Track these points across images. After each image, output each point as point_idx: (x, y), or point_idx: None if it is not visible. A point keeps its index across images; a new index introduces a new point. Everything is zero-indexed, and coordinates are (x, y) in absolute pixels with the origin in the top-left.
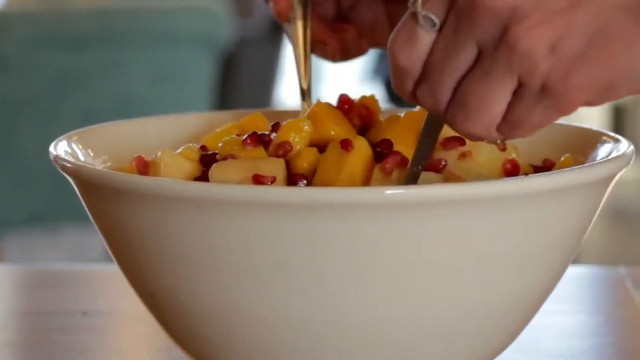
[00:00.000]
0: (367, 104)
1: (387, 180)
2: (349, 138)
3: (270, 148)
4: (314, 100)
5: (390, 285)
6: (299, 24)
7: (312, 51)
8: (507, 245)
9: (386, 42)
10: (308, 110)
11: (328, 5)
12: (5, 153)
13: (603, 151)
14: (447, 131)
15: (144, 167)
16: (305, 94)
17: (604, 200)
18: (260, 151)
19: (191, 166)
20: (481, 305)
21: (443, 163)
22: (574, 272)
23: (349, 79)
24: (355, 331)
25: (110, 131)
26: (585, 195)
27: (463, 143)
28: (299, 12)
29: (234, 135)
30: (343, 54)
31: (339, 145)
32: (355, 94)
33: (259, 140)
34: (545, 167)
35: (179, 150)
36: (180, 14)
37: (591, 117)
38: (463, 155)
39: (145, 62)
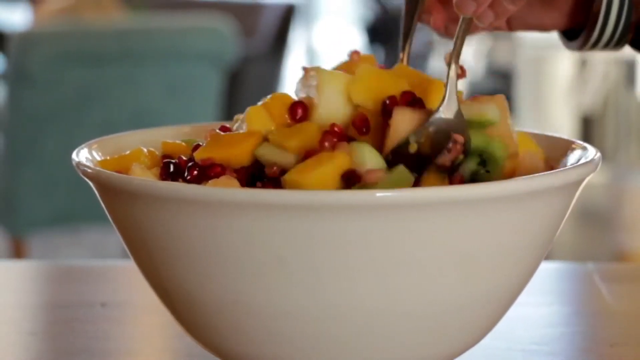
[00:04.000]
0: None
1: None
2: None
3: None
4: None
5: (379, 279)
6: None
7: (420, 19)
8: (487, 244)
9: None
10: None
11: None
12: (32, 160)
13: (573, 158)
14: None
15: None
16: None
17: (573, 202)
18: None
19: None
20: (462, 297)
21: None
22: (546, 268)
23: None
24: (346, 320)
25: (127, 140)
26: (556, 197)
27: None
28: None
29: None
30: (447, 29)
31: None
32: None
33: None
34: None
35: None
36: (190, 34)
37: (562, 127)
38: None
39: (159, 77)
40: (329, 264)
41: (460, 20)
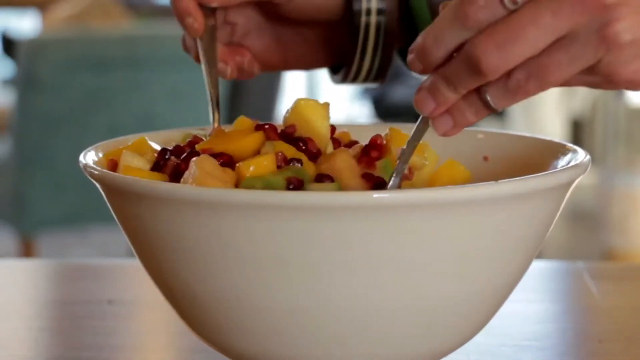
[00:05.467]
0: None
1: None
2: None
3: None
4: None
5: (376, 278)
6: (207, 43)
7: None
8: (480, 243)
9: (276, 67)
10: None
11: (225, 32)
12: (41, 162)
13: (563, 160)
14: None
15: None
16: (213, 102)
17: (564, 203)
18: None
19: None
20: (457, 295)
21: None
22: (538, 266)
23: (341, 97)
24: (345, 318)
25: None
26: (547, 198)
27: None
28: (208, 33)
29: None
30: (239, 74)
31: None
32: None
33: None
34: None
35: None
36: None
37: (553, 130)
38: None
39: (163, 82)
40: (328, 263)
41: (419, 120)
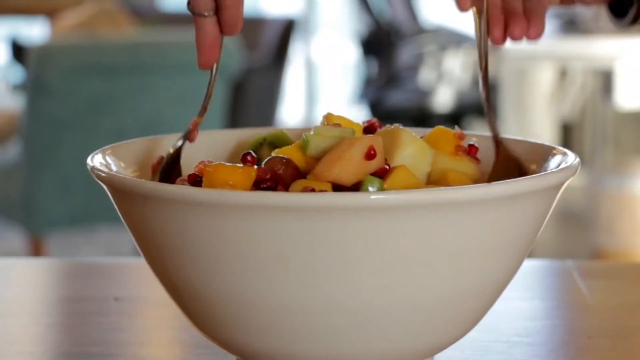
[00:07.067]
0: None
1: None
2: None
3: None
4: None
5: (374, 275)
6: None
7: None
8: (474, 242)
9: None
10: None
11: None
12: (50, 164)
13: (554, 162)
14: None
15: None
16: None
17: (554, 203)
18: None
19: None
20: (451, 292)
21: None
22: (529, 265)
23: (339, 101)
24: (344, 314)
25: (138, 146)
26: (538, 199)
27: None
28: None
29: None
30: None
31: None
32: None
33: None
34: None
35: None
36: None
37: (543, 133)
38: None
39: (168, 88)
40: (327, 262)
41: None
